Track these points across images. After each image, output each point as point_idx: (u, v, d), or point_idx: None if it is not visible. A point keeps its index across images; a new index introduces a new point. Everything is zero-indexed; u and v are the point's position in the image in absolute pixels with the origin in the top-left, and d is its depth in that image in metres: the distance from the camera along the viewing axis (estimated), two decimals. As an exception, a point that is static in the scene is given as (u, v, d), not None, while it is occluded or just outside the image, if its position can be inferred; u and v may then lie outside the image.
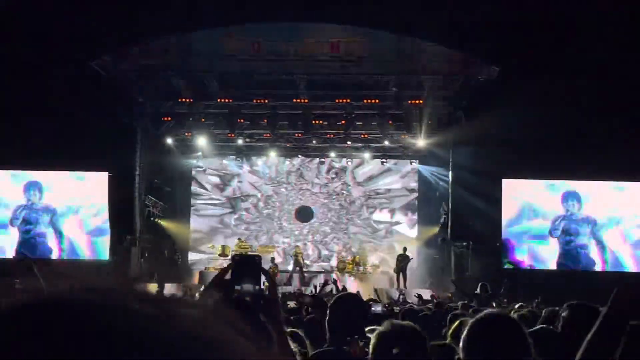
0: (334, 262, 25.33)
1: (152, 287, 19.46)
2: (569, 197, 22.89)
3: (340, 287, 18.90)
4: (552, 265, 22.41)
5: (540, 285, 18.61)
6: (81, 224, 23.32)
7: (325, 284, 16.45)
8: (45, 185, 23.41)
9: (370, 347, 3.09)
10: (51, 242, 23.14)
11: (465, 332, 2.76)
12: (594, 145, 19.94)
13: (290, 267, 24.42)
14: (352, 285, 21.37)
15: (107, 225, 22.86)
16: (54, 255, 22.93)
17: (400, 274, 22.09)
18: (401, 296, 17.69)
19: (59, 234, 23.15)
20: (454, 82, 21.71)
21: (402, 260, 22.40)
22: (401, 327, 3.11)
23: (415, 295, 14.78)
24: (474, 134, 21.33)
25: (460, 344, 2.76)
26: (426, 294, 18.99)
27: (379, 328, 3.13)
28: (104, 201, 23.10)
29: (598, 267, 22.15)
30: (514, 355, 2.62)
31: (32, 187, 23.37)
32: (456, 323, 5.39)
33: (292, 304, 11.49)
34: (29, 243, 23.09)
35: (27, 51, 19.49)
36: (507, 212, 22.73)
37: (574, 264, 22.42)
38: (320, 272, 24.25)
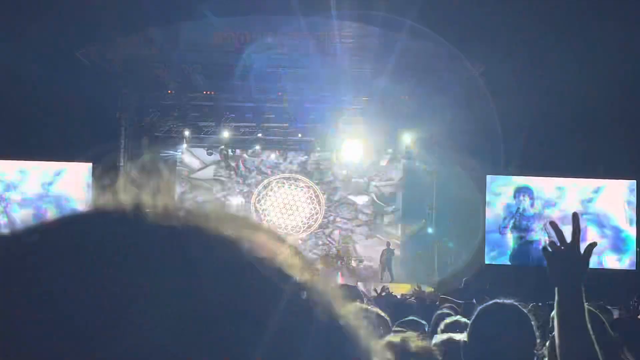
0: (317, 256, 25.29)
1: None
2: (521, 192, 23.04)
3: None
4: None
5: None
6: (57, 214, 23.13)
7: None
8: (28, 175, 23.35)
9: None
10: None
11: (472, 318, 2.77)
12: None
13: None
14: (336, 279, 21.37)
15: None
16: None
17: (386, 269, 22.12)
18: (384, 291, 17.63)
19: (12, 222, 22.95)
20: (439, 78, 21.69)
21: (386, 255, 22.44)
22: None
23: (416, 288, 14.79)
24: (458, 129, 21.39)
25: (467, 330, 2.77)
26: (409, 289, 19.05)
27: None
28: (86, 192, 22.98)
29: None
30: (519, 344, 2.62)
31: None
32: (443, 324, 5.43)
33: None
34: None
35: (10, 39, 19.32)
36: (490, 208, 22.91)
37: (525, 260, 22.49)
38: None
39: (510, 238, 22.82)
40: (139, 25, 20.60)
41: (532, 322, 2.70)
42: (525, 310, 2.75)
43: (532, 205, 22.72)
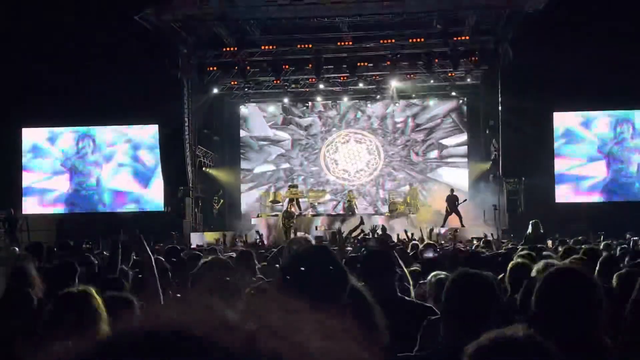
0: (385, 204, 25.41)
1: (210, 236, 19.95)
2: (622, 121, 22.64)
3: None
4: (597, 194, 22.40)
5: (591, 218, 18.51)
6: (133, 176, 23.90)
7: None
8: (97, 139, 24.11)
9: (443, 294, 3.06)
10: (100, 195, 23.94)
11: (537, 286, 2.78)
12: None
13: (341, 212, 24.59)
14: (401, 226, 21.42)
15: (160, 177, 23.35)
16: (101, 208, 23.68)
17: (453, 214, 21.97)
18: (450, 235, 17.62)
19: (106, 189, 23.90)
20: (500, 16, 21.19)
21: (451, 201, 22.25)
22: (476, 275, 3.07)
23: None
24: (522, 67, 20.94)
25: (532, 298, 2.77)
26: (478, 232, 18.98)
27: (451, 275, 3.13)
28: (154, 153, 23.61)
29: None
30: (584, 308, 2.63)
31: (85, 138, 24.09)
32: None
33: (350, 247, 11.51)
34: (80, 196, 23.90)
35: (71, 10, 19.75)
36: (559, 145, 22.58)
37: (622, 193, 22.26)
38: (372, 215, 24.35)
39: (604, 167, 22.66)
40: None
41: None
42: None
43: (633, 136, 22.63)
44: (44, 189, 23.94)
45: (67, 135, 24.25)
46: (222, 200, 25.28)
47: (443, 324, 2.98)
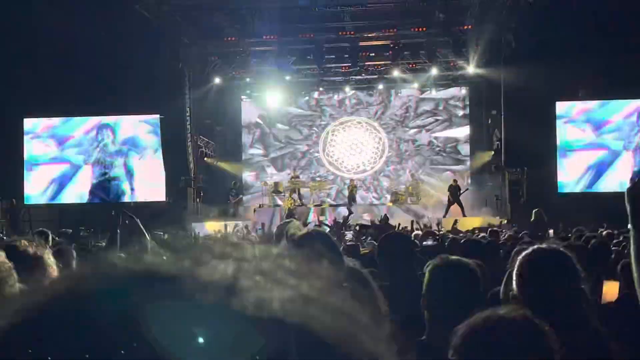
0: (387, 194, 25.35)
1: (211, 227, 19.91)
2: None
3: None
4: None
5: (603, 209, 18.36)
6: (133, 166, 23.82)
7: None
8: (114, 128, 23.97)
9: (424, 282, 3.06)
10: (124, 185, 23.76)
11: (515, 270, 2.75)
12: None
13: (345, 200, 24.54)
14: (403, 216, 21.38)
15: (162, 167, 23.28)
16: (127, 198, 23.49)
17: (455, 204, 21.93)
18: (454, 226, 17.57)
19: (131, 177, 23.70)
20: (502, 5, 21.06)
21: (453, 191, 22.22)
22: (456, 262, 3.07)
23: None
24: (524, 56, 20.85)
25: (513, 282, 2.75)
26: (480, 222, 18.97)
27: (432, 262, 3.12)
28: (157, 143, 23.54)
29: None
30: (564, 287, 2.61)
31: (104, 128, 23.87)
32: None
33: (349, 234, 11.55)
34: (103, 186, 23.70)
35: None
36: (562, 135, 22.42)
37: None
38: (376, 205, 24.32)
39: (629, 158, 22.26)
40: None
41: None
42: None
43: None
44: (48, 184, 23.82)
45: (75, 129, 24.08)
46: (240, 196, 25.08)
47: (426, 314, 2.94)
